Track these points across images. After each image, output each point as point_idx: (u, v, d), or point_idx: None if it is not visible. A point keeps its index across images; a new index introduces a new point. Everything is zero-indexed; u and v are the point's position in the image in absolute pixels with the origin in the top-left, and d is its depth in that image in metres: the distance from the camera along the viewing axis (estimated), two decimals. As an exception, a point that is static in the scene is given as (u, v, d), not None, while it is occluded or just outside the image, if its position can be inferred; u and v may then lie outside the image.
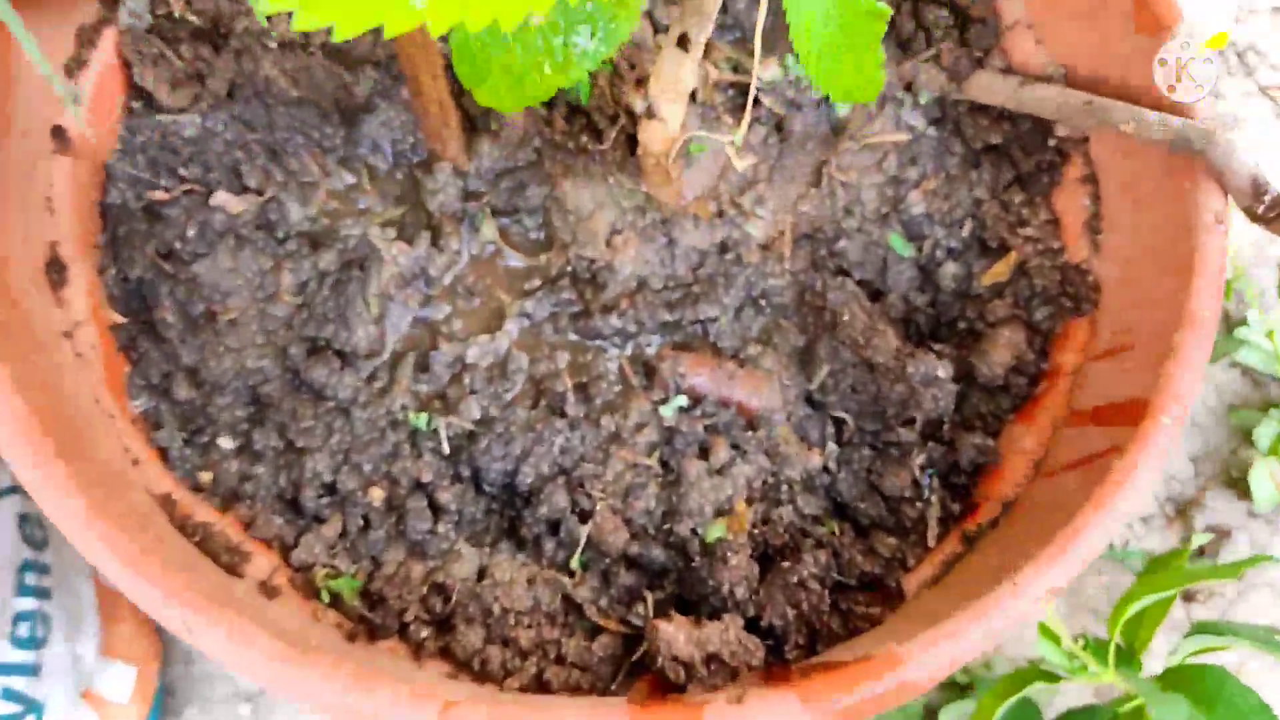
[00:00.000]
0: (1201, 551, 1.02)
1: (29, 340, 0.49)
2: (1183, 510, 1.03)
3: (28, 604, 0.70)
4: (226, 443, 0.55)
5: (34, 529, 0.74)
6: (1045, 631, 0.76)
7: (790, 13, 0.40)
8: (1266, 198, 0.53)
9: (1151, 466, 0.48)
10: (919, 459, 0.58)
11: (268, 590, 0.49)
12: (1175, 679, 0.73)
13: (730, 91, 0.68)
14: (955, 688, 0.84)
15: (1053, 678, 0.76)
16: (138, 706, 0.78)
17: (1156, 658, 0.88)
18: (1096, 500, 0.47)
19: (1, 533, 0.71)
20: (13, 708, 0.67)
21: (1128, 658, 0.79)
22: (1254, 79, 1.26)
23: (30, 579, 0.71)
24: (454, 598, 0.50)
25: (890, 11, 0.41)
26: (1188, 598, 1.00)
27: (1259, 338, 1.06)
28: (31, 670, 0.69)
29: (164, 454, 0.53)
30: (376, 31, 0.61)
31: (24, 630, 0.70)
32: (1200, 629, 0.80)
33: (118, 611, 0.79)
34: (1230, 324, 1.04)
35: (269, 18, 0.62)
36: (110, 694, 0.76)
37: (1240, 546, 1.02)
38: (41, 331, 0.51)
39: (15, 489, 0.74)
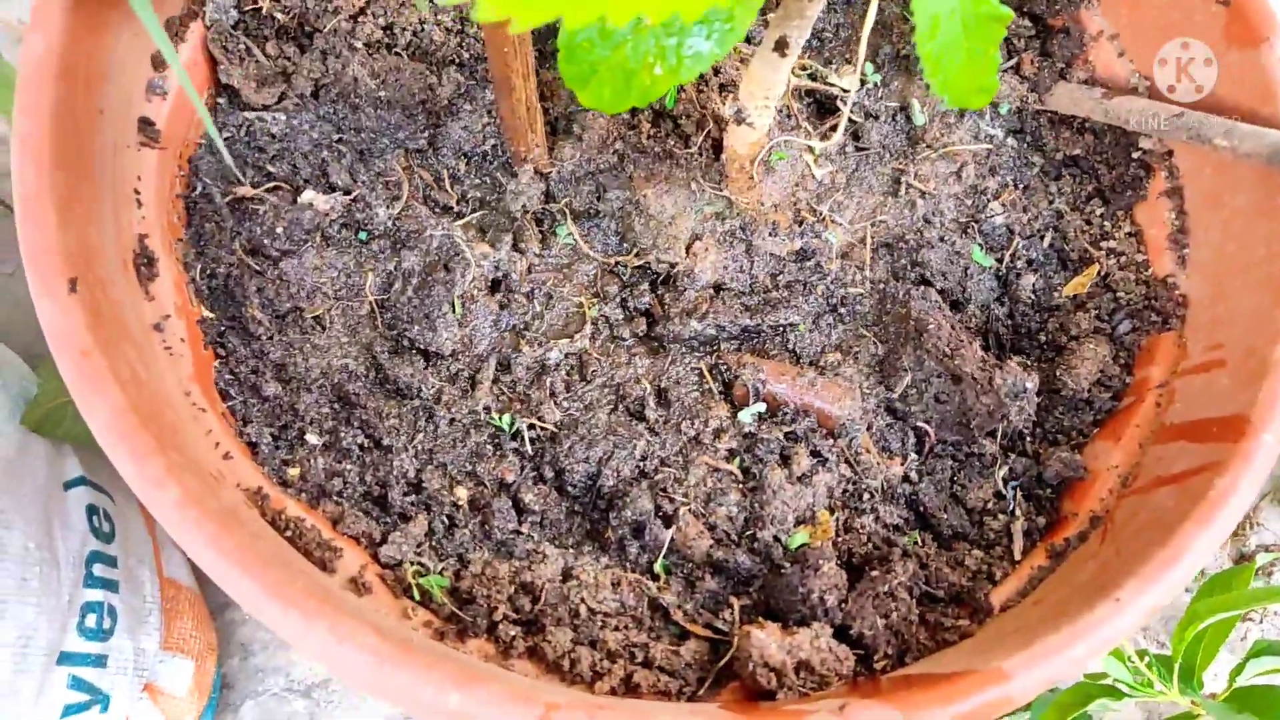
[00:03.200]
0: (1257, 571, 1.01)
1: (122, 332, 0.49)
2: (1237, 527, 1.02)
3: (96, 595, 0.70)
4: (313, 438, 0.55)
5: (102, 521, 0.74)
6: (1112, 650, 0.75)
7: (918, 12, 0.40)
8: (1366, 214, 0.53)
9: (1254, 484, 0.48)
10: (1002, 471, 0.57)
11: (359, 587, 0.49)
12: (1243, 699, 0.72)
13: (808, 99, 0.68)
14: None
15: (1116, 694, 0.75)
16: (195, 699, 0.78)
17: (1211, 675, 0.87)
18: (1198, 517, 0.47)
19: (71, 524, 0.71)
20: (81, 697, 0.67)
21: (1188, 676, 0.78)
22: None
23: (98, 570, 0.72)
24: (542, 597, 0.50)
25: (1012, 15, 0.41)
26: (1244, 616, 0.99)
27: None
28: (99, 661, 0.69)
29: (253, 449, 0.53)
30: (462, 32, 0.62)
31: (92, 621, 0.70)
32: (1265, 649, 0.79)
33: (178, 606, 0.80)
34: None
35: (354, 16, 0.62)
36: (170, 687, 0.76)
37: (1296, 567, 1.00)
38: (133, 324, 0.51)
39: (83, 480, 0.74)
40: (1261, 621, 1.00)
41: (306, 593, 0.42)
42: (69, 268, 0.47)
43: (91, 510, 0.73)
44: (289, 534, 0.49)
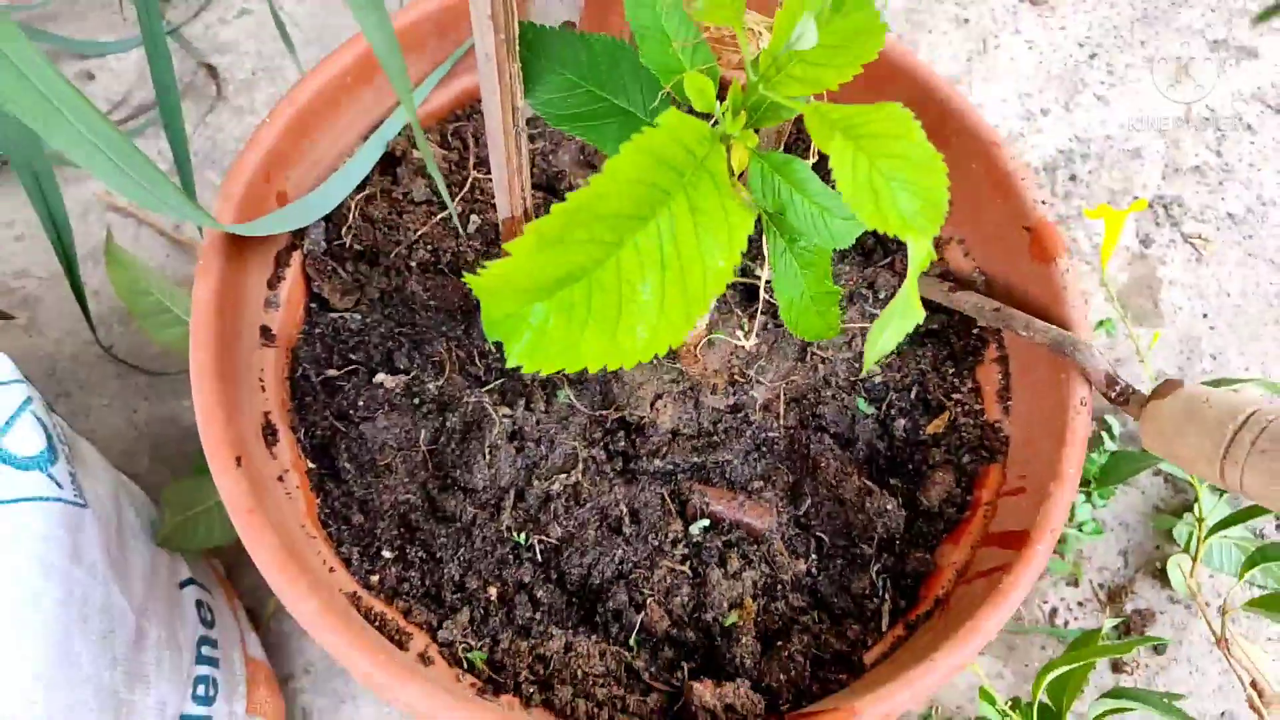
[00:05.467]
0: (1128, 629, 1.23)
1: (265, 490, 0.72)
2: (1115, 596, 1.25)
3: (204, 671, 0.92)
4: (387, 553, 0.77)
5: (206, 611, 0.96)
6: (984, 695, 0.97)
7: (778, 293, 0.64)
8: (1117, 388, 0.77)
9: (1031, 578, 0.71)
10: (876, 567, 0.81)
11: (425, 660, 0.71)
12: (1086, 732, 0.95)
13: (739, 288, 0.92)
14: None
15: (987, 732, 0.97)
16: (271, 752, 0.99)
17: (1077, 717, 1.09)
18: (991, 602, 0.70)
19: (186, 617, 0.93)
20: (196, 748, 0.89)
21: (1052, 716, 1.00)
22: (1178, 228, 1.52)
23: (205, 651, 0.94)
24: (551, 665, 0.72)
25: (841, 292, 0.65)
26: (1117, 668, 1.21)
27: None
28: (208, 721, 0.90)
29: (347, 564, 0.76)
30: (487, 254, 0.85)
31: (202, 690, 0.92)
32: (1114, 694, 1.02)
33: (257, 678, 1.01)
34: (1152, 439, 1.27)
35: (410, 245, 0.86)
36: (254, 742, 0.97)
37: (1163, 627, 1.23)
38: (267, 480, 0.75)
39: (192, 580, 0.97)
40: (1134, 674, 1.21)
41: (399, 666, 0.65)
42: (235, 450, 0.70)
43: (199, 604, 0.96)
44: (376, 624, 0.72)
